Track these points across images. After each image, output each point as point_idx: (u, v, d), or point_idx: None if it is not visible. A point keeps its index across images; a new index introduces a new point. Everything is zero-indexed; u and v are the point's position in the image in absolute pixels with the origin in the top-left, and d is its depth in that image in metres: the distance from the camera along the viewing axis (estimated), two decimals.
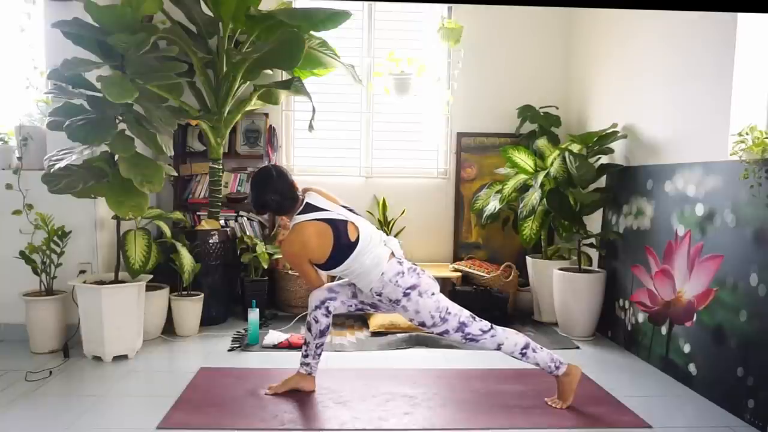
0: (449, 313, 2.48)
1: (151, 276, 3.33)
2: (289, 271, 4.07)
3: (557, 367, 2.50)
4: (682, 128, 3.06)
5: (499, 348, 2.50)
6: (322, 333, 2.63)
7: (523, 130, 4.41)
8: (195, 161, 4.34)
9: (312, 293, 2.65)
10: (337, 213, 2.51)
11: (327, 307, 2.60)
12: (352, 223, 2.52)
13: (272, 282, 4.16)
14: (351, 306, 2.64)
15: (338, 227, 2.47)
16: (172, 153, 3.41)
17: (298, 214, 2.51)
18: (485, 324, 2.51)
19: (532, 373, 2.79)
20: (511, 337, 2.51)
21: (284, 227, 2.66)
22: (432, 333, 2.53)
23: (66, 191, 2.85)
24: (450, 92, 4.45)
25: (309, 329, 2.64)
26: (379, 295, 2.49)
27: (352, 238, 2.47)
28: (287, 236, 2.51)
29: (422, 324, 2.49)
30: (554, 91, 4.53)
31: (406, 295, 2.45)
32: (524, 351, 2.49)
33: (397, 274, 2.46)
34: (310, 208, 2.51)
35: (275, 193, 2.50)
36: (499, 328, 2.52)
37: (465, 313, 2.51)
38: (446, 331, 2.49)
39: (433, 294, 2.49)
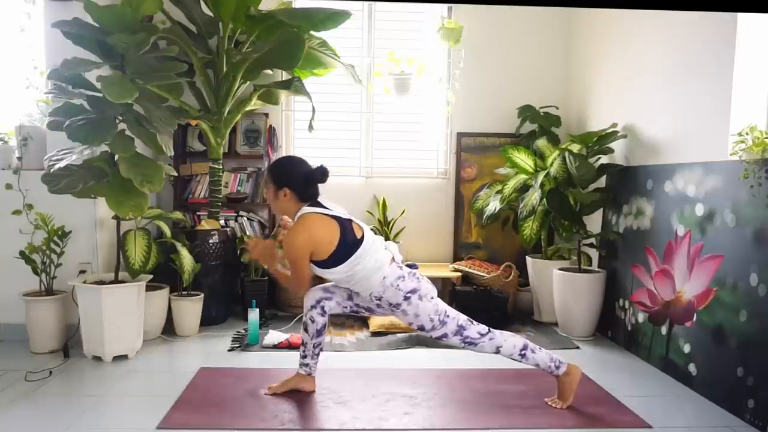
0: (448, 316, 2.48)
1: (151, 276, 3.33)
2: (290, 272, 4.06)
3: (557, 367, 2.50)
4: (682, 128, 3.06)
5: (498, 351, 2.50)
6: (319, 333, 2.63)
7: (523, 130, 4.41)
8: (195, 161, 4.34)
9: (307, 293, 2.64)
10: (341, 212, 2.52)
11: (322, 307, 2.60)
12: (356, 223, 2.52)
13: (272, 282, 4.16)
14: (346, 307, 2.64)
15: (344, 224, 2.46)
16: (172, 153, 3.41)
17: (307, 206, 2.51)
18: (483, 327, 2.51)
19: (532, 373, 2.79)
20: (510, 339, 2.51)
21: (284, 227, 2.65)
22: (431, 336, 2.52)
23: (66, 191, 2.85)
24: (450, 92, 4.45)
25: (306, 329, 2.64)
26: (379, 299, 2.48)
27: (358, 236, 2.47)
28: (293, 226, 2.48)
29: (421, 328, 2.49)
30: (554, 91, 4.53)
31: (406, 299, 2.45)
32: (523, 352, 2.49)
33: (398, 278, 2.46)
34: (317, 204, 2.52)
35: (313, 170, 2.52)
36: (496, 332, 2.52)
37: (463, 317, 2.51)
38: (445, 335, 2.49)
39: (432, 298, 2.49)
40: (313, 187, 2.53)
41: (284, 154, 4.43)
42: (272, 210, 2.62)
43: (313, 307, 2.61)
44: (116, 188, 2.95)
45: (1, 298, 3.34)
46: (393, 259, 2.52)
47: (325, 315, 2.61)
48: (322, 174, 2.53)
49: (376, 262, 2.45)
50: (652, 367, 3.11)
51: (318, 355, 2.68)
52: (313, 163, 2.61)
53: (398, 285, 2.44)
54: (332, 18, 3.76)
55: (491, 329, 2.52)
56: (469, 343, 2.49)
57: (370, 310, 2.62)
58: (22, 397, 2.58)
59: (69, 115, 2.93)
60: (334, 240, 2.42)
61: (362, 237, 2.47)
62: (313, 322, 2.61)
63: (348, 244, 2.44)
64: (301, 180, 2.51)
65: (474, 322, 2.52)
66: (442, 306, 2.50)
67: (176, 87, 3.50)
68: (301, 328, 2.69)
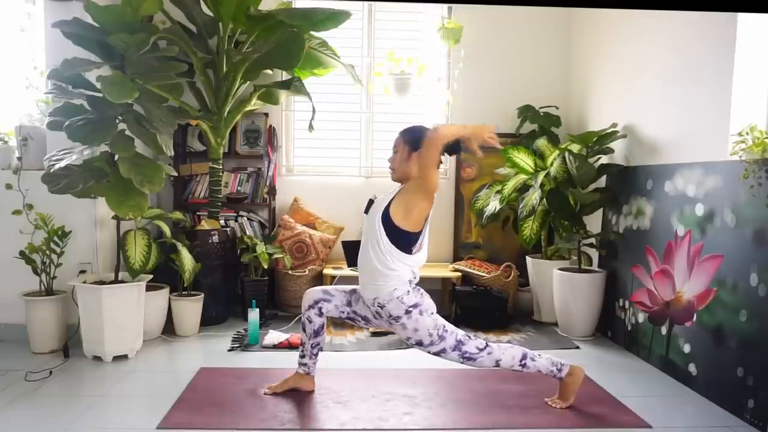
0: (446, 331, 2.46)
1: (151, 276, 3.33)
2: (289, 272, 4.07)
3: (559, 370, 2.50)
4: (682, 128, 3.06)
5: (497, 365, 2.48)
6: (317, 333, 2.63)
7: (523, 130, 4.41)
8: (195, 161, 4.34)
9: (306, 293, 2.65)
10: None
11: (320, 308, 2.59)
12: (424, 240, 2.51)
13: (272, 282, 4.17)
14: (343, 313, 2.62)
15: (425, 229, 2.46)
16: (172, 153, 3.41)
17: None
18: (480, 342, 2.49)
19: (532, 373, 2.79)
20: (508, 351, 2.49)
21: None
22: (428, 352, 2.49)
23: (66, 191, 2.85)
24: (450, 92, 4.45)
25: (303, 329, 2.64)
26: (381, 307, 2.45)
27: (415, 246, 2.44)
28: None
29: (419, 343, 2.46)
30: (554, 91, 4.53)
31: (407, 312, 2.42)
32: (523, 362, 2.48)
33: (404, 293, 2.44)
34: None
35: None
36: (494, 345, 2.50)
37: (460, 332, 2.49)
38: (443, 350, 2.46)
39: (432, 313, 2.47)
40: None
41: (284, 154, 4.42)
42: (393, 176, 2.54)
43: (311, 307, 2.61)
44: (116, 188, 2.95)
45: (1, 298, 3.34)
46: (411, 278, 2.50)
47: (322, 316, 2.61)
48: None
49: (402, 273, 2.43)
50: (652, 367, 3.11)
51: (316, 355, 2.68)
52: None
53: (402, 298, 2.42)
54: (332, 18, 3.76)
55: (489, 343, 2.50)
56: (468, 359, 2.46)
57: (367, 319, 2.60)
58: (22, 397, 2.58)
59: (69, 115, 2.93)
60: (418, 224, 2.40)
61: (413, 252, 2.46)
62: (310, 322, 2.61)
63: (412, 242, 2.42)
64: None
65: (472, 336, 2.50)
66: (441, 321, 2.48)
67: (176, 87, 3.50)
68: (300, 327, 2.69)
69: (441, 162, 2.45)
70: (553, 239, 4.25)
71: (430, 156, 2.33)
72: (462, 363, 2.49)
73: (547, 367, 2.49)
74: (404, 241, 2.40)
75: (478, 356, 2.46)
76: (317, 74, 4.19)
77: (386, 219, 2.39)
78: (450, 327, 2.49)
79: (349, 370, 2.99)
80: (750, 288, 2.45)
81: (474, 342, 2.48)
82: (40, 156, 3.27)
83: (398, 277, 2.41)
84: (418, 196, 2.36)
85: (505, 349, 2.49)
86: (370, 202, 2.55)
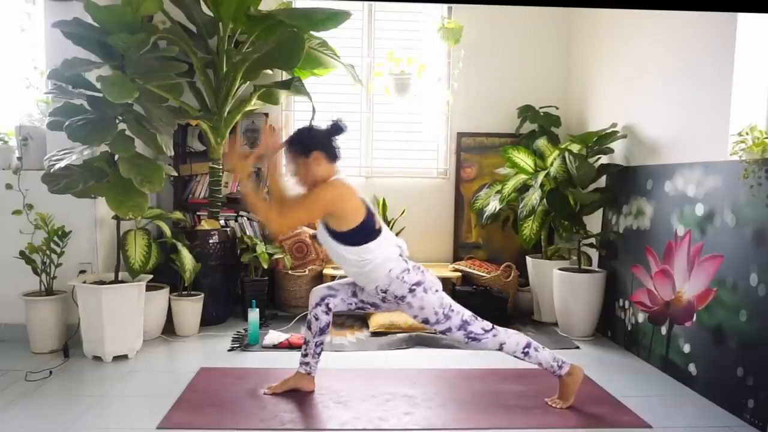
0: (452, 310, 2.48)
1: (151, 276, 3.33)
2: (289, 272, 4.07)
3: (560, 367, 2.51)
4: (682, 128, 3.06)
5: (501, 348, 2.50)
6: (322, 331, 2.64)
7: (523, 130, 4.41)
8: (195, 161, 4.34)
9: (312, 291, 2.66)
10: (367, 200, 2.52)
11: (327, 304, 2.61)
12: (377, 216, 2.51)
13: (272, 282, 4.17)
14: (351, 304, 2.64)
15: (369, 209, 2.46)
16: (172, 153, 3.40)
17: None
18: (487, 324, 2.52)
19: (533, 373, 2.79)
20: (513, 336, 2.51)
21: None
22: (435, 331, 2.53)
23: (66, 191, 2.85)
24: (450, 92, 4.45)
25: (309, 327, 2.65)
26: (385, 292, 2.47)
27: (376, 227, 2.46)
28: (323, 184, 2.43)
29: (426, 321, 2.50)
30: (554, 91, 4.53)
31: (411, 291, 2.44)
32: (526, 350, 2.49)
33: (404, 271, 2.45)
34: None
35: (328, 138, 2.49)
36: (500, 329, 2.52)
37: (467, 312, 2.52)
38: (449, 329, 2.49)
39: (437, 291, 2.49)
40: (335, 142, 2.48)
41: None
42: (302, 184, 2.52)
43: (317, 304, 2.62)
44: (116, 188, 2.95)
45: (1, 298, 3.34)
46: (400, 253, 2.52)
47: (329, 313, 2.62)
48: (338, 127, 2.48)
49: (386, 254, 2.44)
50: (652, 367, 3.12)
51: (319, 354, 2.69)
52: None
53: (403, 277, 2.43)
54: (332, 18, 3.76)
55: (495, 326, 2.52)
56: (473, 339, 2.49)
57: (376, 305, 2.62)
58: (22, 397, 2.58)
59: (69, 115, 2.93)
60: (359, 214, 2.40)
61: (380, 229, 2.47)
62: (317, 319, 2.62)
63: (369, 227, 2.42)
64: (325, 137, 2.47)
65: (478, 318, 2.53)
66: (447, 300, 2.51)
67: (176, 87, 3.50)
68: (304, 326, 2.69)
69: (323, 157, 2.44)
70: (553, 239, 4.25)
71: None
72: (467, 343, 2.51)
73: (548, 361, 2.50)
74: (363, 233, 2.41)
75: (483, 337, 2.48)
76: (317, 74, 4.19)
77: (334, 233, 2.41)
78: (456, 307, 2.50)
79: (349, 370, 2.99)
80: (750, 288, 2.45)
81: (480, 323, 2.50)
82: (40, 156, 3.27)
83: (386, 259, 2.42)
84: (326, 196, 2.37)
85: (510, 335, 2.52)
86: None
